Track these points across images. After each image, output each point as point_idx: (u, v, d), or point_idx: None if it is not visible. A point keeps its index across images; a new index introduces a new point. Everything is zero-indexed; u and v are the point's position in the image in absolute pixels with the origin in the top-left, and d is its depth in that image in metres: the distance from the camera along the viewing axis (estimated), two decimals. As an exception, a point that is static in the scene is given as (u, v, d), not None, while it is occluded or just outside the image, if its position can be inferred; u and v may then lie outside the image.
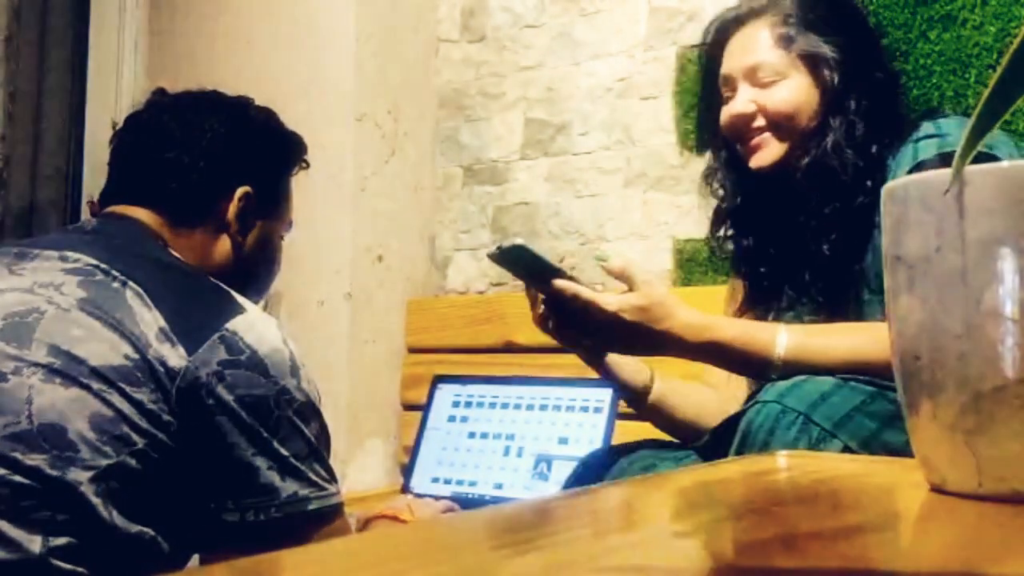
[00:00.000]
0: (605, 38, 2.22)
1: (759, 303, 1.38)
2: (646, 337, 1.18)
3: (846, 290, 1.28)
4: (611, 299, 1.17)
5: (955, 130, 1.23)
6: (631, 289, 1.18)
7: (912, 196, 0.55)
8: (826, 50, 1.31)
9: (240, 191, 1.26)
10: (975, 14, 1.73)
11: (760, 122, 1.33)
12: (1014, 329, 0.51)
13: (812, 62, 1.32)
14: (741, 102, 1.34)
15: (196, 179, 1.24)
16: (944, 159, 1.19)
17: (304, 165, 1.39)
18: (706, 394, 1.39)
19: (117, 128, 1.33)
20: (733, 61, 1.37)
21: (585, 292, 1.18)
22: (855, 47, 1.33)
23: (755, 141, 1.34)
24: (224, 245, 1.26)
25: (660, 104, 2.11)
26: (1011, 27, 1.70)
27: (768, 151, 1.34)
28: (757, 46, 1.34)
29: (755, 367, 1.18)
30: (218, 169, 1.25)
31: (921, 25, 1.78)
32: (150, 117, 1.28)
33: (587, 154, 2.23)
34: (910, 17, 1.79)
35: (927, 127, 1.26)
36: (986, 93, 0.48)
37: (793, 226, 1.33)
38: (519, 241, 1.19)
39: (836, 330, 1.21)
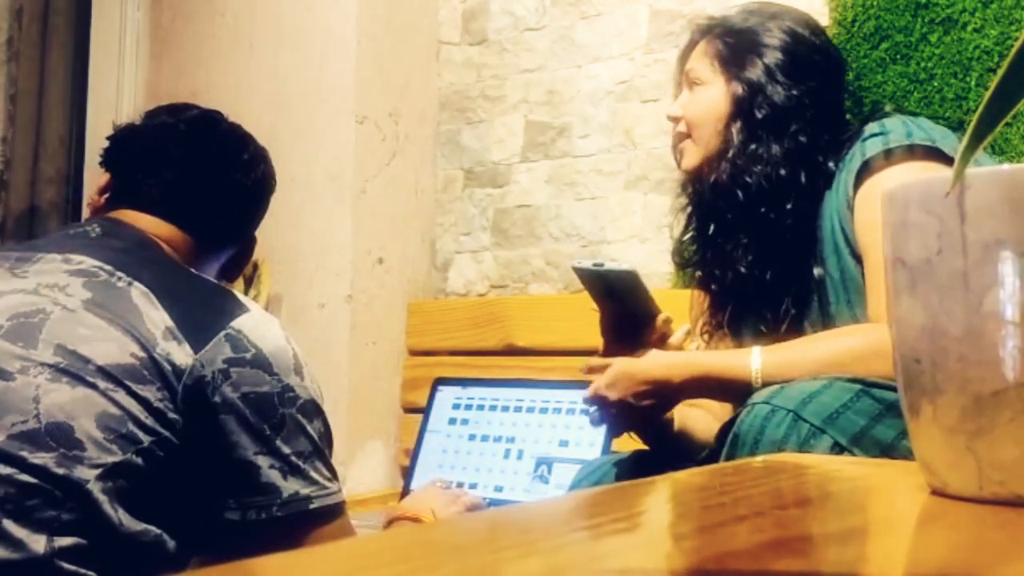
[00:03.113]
0: (606, 41, 2.22)
1: (726, 323, 1.42)
2: (642, 387, 1.25)
3: (806, 300, 1.31)
4: (602, 378, 1.27)
5: (898, 127, 1.28)
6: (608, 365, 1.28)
7: (913, 199, 0.55)
8: (749, 68, 1.37)
9: (247, 240, 1.34)
10: (976, 17, 1.73)
11: (682, 127, 1.42)
12: (1015, 332, 0.51)
13: (732, 75, 1.38)
14: (674, 105, 1.44)
15: (233, 215, 1.30)
16: (889, 155, 1.25)
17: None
18: (708, 417, 1.41)
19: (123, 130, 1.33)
20: (684, 68, 1.46)
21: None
22: (783, 69, 1.37)
23: (679, 146, 1.44)
24: (212, 270, 1.30)
25: (661, 107, 2.11)
26: (1012, 30, 1.70)
27: (687, 157, 1.42)
28: (696, 55, 1.43)
29: (737, 391, 1.21)
30: (250, 211, 1.32)
31: (922, 28, 1.78)
32: (188, 132, 1.28)
33: (588, 157, 2.23)
34: (911, 20, 1.79)
35: (872, 127, 1.31)
36: (987, 96, 0.48)
37: (728, 246, 1.38)
38: (630, 268, 1.29)
39: (808, 341, 1.25)
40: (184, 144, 1.26)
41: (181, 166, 1.24)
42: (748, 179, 1.33)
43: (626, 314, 1.31)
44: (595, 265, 1.29)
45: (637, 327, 1.29)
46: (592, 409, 1.31)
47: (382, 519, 1.60)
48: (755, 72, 1.36)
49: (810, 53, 1.39)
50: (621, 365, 1.26)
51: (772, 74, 1.35)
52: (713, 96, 1.39)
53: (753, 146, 1.34)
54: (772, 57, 1.36)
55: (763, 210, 1.32)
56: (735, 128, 1.36)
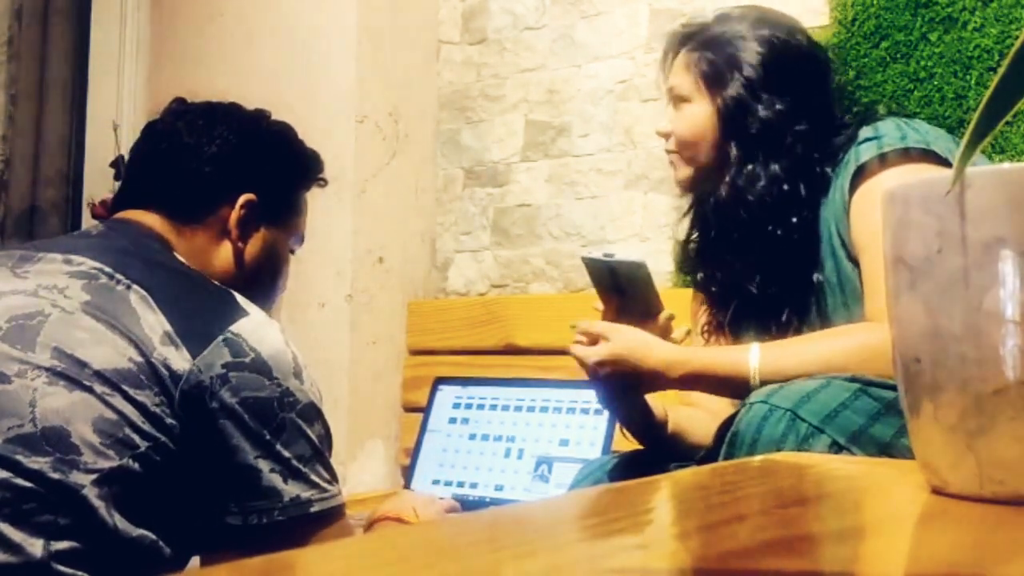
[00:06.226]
0: (606, 40, 2.22)
1: (727, 324, 1.41)
2: (635, 376, 1.24)
3: (805, 303, 1.31)
4: (594, 351, 1.25)
5: (892, 131, 1.27)
6: (606, 340, 1.25)
7: (913, 198, 0.55)
8: (731, 86, 1.34)
9: (243, 198, 1.26)
10: (976, 16, 1.73)
11: (671, 144, 1.41)
12: (1015, 331, 0.51)
13: (717, 95, 1.35)
14: (664, 122, 1.43)
15: (200, 183, 1.24)
16: (883, 158, 1.25)
17: (321, 183, 1.40)
18: (704, 416, 1.41)
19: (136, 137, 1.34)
20: (667, 82, 1.44)
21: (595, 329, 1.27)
22: (766, 84, 1.34)
23: (670, 160, 1.43)
24: (226, 251, 1.26)
25: (661, 106, 2.11)
26: (1012, 29, 1.70)
27: (679, 171, 1.42)
28: (677, 69, 1.41)
29: (735, 388, 1.21)
30: (223, 175, 1.25)
31: (922, 27, 1.78)
32: (164, 125, 1.29)
33: (588, 156, 2.23)
34: (911, 19, 1.79)
35: (865, 131, 1.30)
36: (987, 95, 0.48)
37: (732, 258, 1.37)
38: (639, 260, 1.29)
39: (807, 340, 1.25)
40: (167, 135, 1.26)
41: (166, 156, 1.25)
42: (750, 197, 1.32)
43: (630, 309, 1.31)
44: (605, 256, 1.30)
45: (640, 323, 1.29)
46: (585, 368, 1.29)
47: (363, 522, 1.59)
48: (738, 90, 1.34)
49: (792, 62, 1.36)
50: (619, 348, 1.24)
51: (756, 91, 1.33)
52: (699, 115, 1.37)
53: (751, 166, 1.33)
54: (753, 72, 1.34)
55: (770, 228, 1.32)
56: (730, 148, 1.34)
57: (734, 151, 1.34)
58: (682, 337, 1.32)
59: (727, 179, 1.34)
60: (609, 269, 1.30)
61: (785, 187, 1.31)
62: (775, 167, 1.32)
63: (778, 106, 1.33)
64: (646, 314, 1.30)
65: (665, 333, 1.30)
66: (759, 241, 1.33)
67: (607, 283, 1.32)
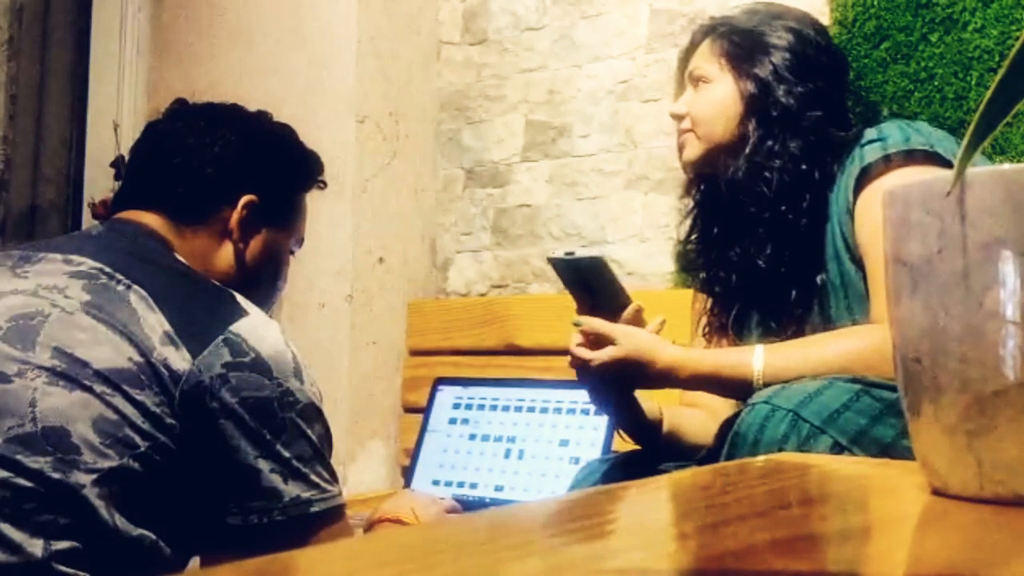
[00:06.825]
0: (606, 40, 2.22)
1: (730, 325, 1.41)
2: (643, 378, 1.25)
3: (809, 304, 1.31)
4: (603, 353, 1.24)
5: (896, 133, 1.28)
6: (613, 343, 1.25)
7: (914, 198, 0.55)
8: (758, 66, 1.36)
9: (244, 199, 1.26)
10: (977, 17, 1.73)
11: (686, 123, 1.42)
12: (1015, 332, 0.51)
13: (742, 73, 1.37)
14: (678, 103, 1.44)
15: (202, 183, 1.24)
16: (888, 160, 1.26)
17: (321, 185, 1.40)
18: (704, 417, 1.41)
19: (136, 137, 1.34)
20: (687, 67, 1.46)
21: (603, 328, 1.26)
22: (791, 68, 1.36)
23: (680, 140, 1.43)
24: (227, 252, 1.26)
25: (661, 106, 2.11)
26: (1012, 30, 1.70)
27: (689, 149, 1.42)
28: (701, 53, 1.43)
29: (739, 389, 1.22)
30: (225, 176, 1.25)
31: (923, 28, 1.78)
32: (165, 125, 1.29)
33: (588, 156, 2.23)
34: (912, 20, 1.79)
35: (870, 133, 1.31)
36: (987, 96, 0.48)
37: (740, 244, 1.37)
38: (598, 254, 1.28)
39: (810, 342, 1.25)
40: (169, 136, 1.27)
41: (167, 156, 1.25)
42: (768, 175, 1.33)
43: (600, 303, 1.30)
44: (567, 254, 1.30)
45: (611, 316, 1.28)
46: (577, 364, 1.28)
47: (363, 522, 1.60)
48: (764, 70, 1.36)
49: (816, 54, 1.39)
50: (628, 352, 1.23)
51: (780, 73, 1.36)
52: (721, 94, 1.38)
53: (770, 143, 1.34)
54: (779, 57, 1.36)
55: (783, 208, 1.32)
56: (750, 125, 1.36)
57: (754, 129, 1.35)
58: (657, 328, 1.30)
59: (745, 155, 1.35)
60: (571, 266, 1.30)
61: (803, 166, 1.32)
62: (793, 146, 1.33)
63: (801, 91, 1.35)
64: (616, 307, 1.29)
65: (636, 325, 1.29)
66: (771, 219, 1.33)
67: (574, 280, 1.32)
